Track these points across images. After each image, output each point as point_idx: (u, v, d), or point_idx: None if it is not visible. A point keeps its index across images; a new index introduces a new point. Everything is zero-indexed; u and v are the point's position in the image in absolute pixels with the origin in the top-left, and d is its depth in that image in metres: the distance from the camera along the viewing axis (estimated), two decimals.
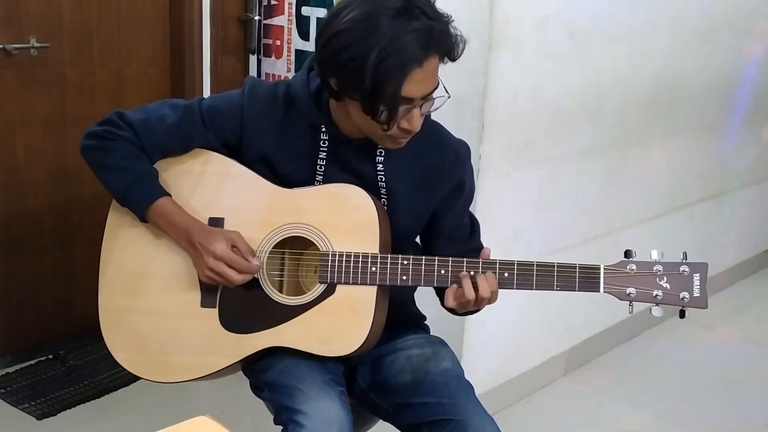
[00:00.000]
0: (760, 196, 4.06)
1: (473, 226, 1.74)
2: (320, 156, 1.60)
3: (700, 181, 3.55)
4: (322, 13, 2.66)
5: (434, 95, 1.49)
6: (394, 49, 1.38)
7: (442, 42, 1.43)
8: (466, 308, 1.57)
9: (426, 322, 1.84)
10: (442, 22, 1.44)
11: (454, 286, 1.55)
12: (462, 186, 1.67)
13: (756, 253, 4.19)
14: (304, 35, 2.74)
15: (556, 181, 2.71)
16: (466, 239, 1.71)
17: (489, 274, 1.53)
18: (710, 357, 3.28)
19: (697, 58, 3.20)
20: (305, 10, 2.71)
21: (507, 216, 2.55)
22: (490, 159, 2.40)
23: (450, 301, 1.55)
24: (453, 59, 1.47)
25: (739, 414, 2.89)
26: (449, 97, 1.51)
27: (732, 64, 3.45)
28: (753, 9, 3.45)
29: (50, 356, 2.85)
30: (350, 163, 1.60)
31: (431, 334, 1.82)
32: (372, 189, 1.60)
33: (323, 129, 1.59)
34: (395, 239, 1.62)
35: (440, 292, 1.67)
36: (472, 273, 1.54)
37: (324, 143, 1.60)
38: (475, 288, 1.52)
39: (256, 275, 1.57)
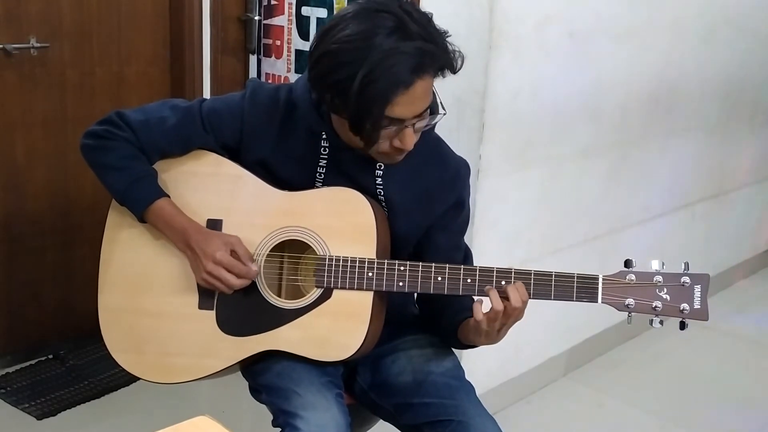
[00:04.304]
0: (760, 196, 4.06)
1: (467, 252, 1.72)
2: (320, 163, 1.59)
3: (700, 181, 3.55)
4: (322, 13, 2.66)
5: (438, 112, 1.48)
6: (380, 73, 1.36)
7: (434, 63, 1.41)
8: (493, 325, 1.51)
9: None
10: (437, 41, 1.41)
11: (480, 299, 1.50)
12: (461, 203, 1.66)
13: (756, 253, 4.19)
14: (304, 35, 2.74)
15: (556, 181, 2.70)
16: (460, 263, 1.69)
17: (519, 284, 1.48)
18: (710, 357, 3.28)
19: (697, 58, 3.20)
20: (305, 10, 2.71)
21: (507, 216, 2.55)
22: (490, 159, 2.40)
23: (480, 315, 1.49)
24: (453, 73, 1.46)
25: (739, 414, 2.89)
26: (445, 114, 1.50)
27: (732, 64, 3.45)
28: (753, 9, 3.45)
29: (50, 356, 2.85)
30: (350, 172, 1.59)
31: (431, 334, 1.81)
32: None
33: (324, 136, 1.58)
34: (393, 247, 1.62)
35: (447, 331, 1.66)
36: (503, 283, 1.50)
37: (324, 150, 1.59)
38: (505, 298, 1.48)
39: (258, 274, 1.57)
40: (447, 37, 1.45)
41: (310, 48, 1.47)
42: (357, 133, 1.44)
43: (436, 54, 1.41)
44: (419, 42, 1.38)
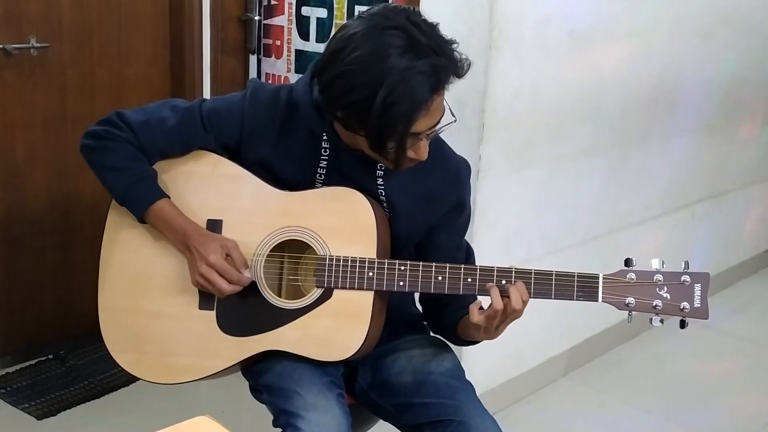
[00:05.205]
0: (760, 196, 4.06)
1: (468, 251, 1.73)
2: (321, 164, 1.59)
3: (700, 181, 3.55)
4: (322, 13, 2.66)
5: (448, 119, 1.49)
6: (400, 95, 1.36)
7: (448, 77, 1.41)
8: (492, 323, 1.51)
9: (425, 322, 1.83)
10: (447, 54, 1.41)
11: (478, 301, 1.52)
12: (463, 204, 1.66)
13: (756, 253, 4.19)
14: (304, 35, 2.74)
15: (557, 181, 2.71)
16: (462, 263, 1.69)
17: (520, 284, 1.49)
18: (710, 357, 3.28)
19: (697, 58, 3.20)
20: (305, 10, 2.71)
21: (507, 216, 2.55)
22: (490, 159, 2.40)
23: (476, 317, 1.50)
24: (459, 78, 1.46)
25: (739, 414, 2.89)
26: (455, 120, 1.51)
27: (732, 64, 3.45)
28: (753, 9, 3.45)
29: (50, 356, 2.85)
30: (351, 174, 1.59)
31: (431, 334, 1.81)
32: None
33: (325, 137, 1.58)
34: (394, 246, 1.62)
35: (448, 328, 1.67)
36: (504, 282, 1.50)
37: (325, 151, 1.59)
38: (506, 297, 1.48)
39: (253, 278, 1.57)
40: (454, 45, 1.44)
41: (319, 69, 1.45)
42: (377, 152, 1.45)
43: (449, 68, 1.41)
44: (432, 57, 1.38)
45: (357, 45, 1.38)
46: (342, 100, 1.41)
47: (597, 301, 1.50)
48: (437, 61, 1.39)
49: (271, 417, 1.60)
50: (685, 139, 3.33)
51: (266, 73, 2.89)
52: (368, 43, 1.38)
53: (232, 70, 2.92)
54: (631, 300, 1.50)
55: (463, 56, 1.44)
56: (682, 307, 1.49)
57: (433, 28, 1.43)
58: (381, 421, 1.78)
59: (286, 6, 2.77)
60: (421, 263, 1.54)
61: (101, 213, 1.68)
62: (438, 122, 1.46)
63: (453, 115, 1.50)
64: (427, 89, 1.38)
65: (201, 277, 1.54)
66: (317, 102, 1.54)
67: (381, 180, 1.59)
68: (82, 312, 2.77)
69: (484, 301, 1.52)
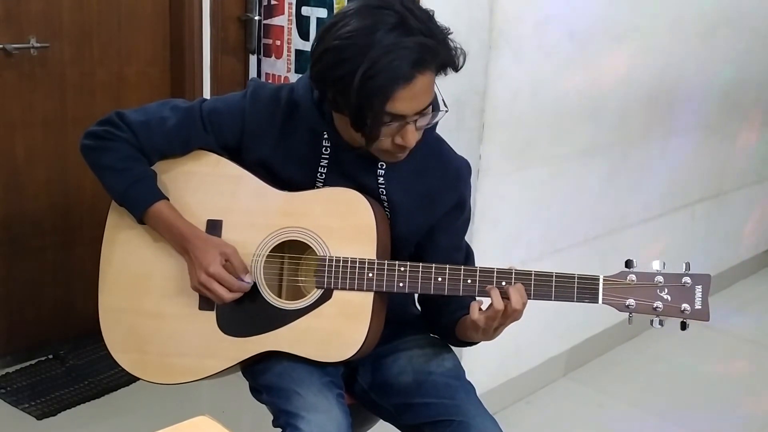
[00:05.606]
0: (760, 196, 4.06)
1: (468, 252, 1.73)
2: (322, 163, 1.59)
3: (700, 181, 3.55)
4: (322, 13, 2.66)
5: (440, 109, 1.48)
6: (380, 68, 1.36)
7: (435, 59, 1.41)
8: (491, 324, 1.51)
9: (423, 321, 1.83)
10: (437, 37, 1.41)
11: (480, 299, 1.51)
12: (463, 204, 1.65)
13: (756, 253, 4.19)
14: (304, 35, 2.74)
15: (557, 181, 2.71)
16: (461, 264, 1.69)
17: (519, 286, 1.49)
18: (710, 357, 3.28)
19: (697, 58, 3.20)
20: (305, 10, 2.71)
21: (507, 216, 2.55)
22: (490, 159, 2.40)
23: (476, 315, 1.49)
24: (455, 70, 1.46)
25: (739, 414, 2.89)
26: (447, 111, 1.50)
27: (732, 64, 3.45)
28: (753, 9, 3.45)
29: (50, 356, 2.85)
30: (352, 172, 1.59)
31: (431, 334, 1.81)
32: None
33: (326, 136, 1.58)
34: (394, 246, 1.61)
35: (446, 328, 1.67)
36: (503, 284, 1.50)
37: (326, 150, 1.59)
38: (506, 299, 1.48)
39: (253, 280, 1.57)
40: (448, 34, 1.44)
41: (312, 45, 1.47)
42: (358, 130, 1.44)
43: (436, 49, 1.40)
44: (420, 37, 1.38)
45: (348, 21, 1.40)
46: (329, 75, 1.41)
47: (597, 302, 1.50)
48: (424, 40, 1.38)
49: (271, 417, 1.60)
50: (685, 139, 3.33)
51: (266, 73, 2.89)
52: (359, 20, 1.39)
53: (232, 70, 2.92)
54: (631, 302, 1.49)
55: (458, 46, 1.44)
56: (682, 308, 1.49)
57: (426, 14, 1.43)
58: (381, 421, 1.78)
59: (286, 6, 2.77)
60: (420, 264, 1.54)
61: (101, 213, 1.68)
62: (426, 108, 1.45)
63: (445, 105, 1.50)
64: (408, 64, 1.37)
65: (201, 286, 1.54)
66: (318, 100, 1.54)
67: (382, 179, 1.59)
68: (82, 312, 2.76)
69: (485, 301, 1.52)
